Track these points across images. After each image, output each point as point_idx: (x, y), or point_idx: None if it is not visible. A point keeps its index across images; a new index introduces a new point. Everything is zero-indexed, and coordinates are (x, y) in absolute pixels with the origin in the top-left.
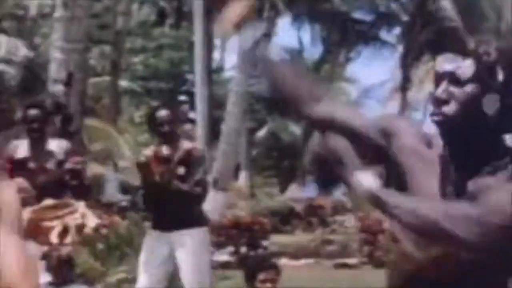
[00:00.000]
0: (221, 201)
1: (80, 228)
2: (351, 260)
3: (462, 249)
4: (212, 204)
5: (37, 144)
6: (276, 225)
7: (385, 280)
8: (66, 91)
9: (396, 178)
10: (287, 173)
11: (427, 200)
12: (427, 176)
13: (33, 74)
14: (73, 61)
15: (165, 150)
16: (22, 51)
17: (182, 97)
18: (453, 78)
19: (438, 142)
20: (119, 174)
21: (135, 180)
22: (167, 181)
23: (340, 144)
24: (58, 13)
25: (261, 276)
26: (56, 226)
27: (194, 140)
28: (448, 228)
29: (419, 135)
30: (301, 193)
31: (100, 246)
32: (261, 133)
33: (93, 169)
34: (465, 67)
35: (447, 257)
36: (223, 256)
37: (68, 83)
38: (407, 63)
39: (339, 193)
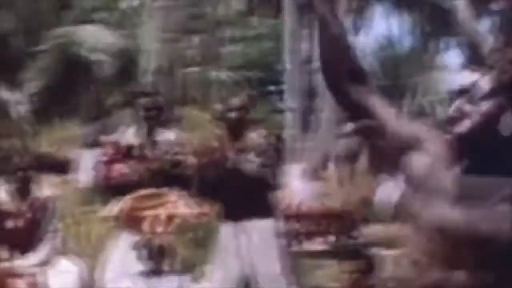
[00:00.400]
0: (312, 191)
1: (171, 217)
2: None
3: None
4: (303, 194)
5: (148, 133)
6: (366, 215)
7: None
8: (161, 80)
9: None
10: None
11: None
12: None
13: (129, 64)
14: (166, 51)
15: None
16: (119, 40)
17: (272, 87)
18: (468, 96)
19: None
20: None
21: None
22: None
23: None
24: (155, 3)
25: (349, 265)
26: (149, 216)
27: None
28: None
29: (442, 151)
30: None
31: (190, 235)
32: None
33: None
34: (482, 84)
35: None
36: (315, 245)
37: (164, 72)
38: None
39: None
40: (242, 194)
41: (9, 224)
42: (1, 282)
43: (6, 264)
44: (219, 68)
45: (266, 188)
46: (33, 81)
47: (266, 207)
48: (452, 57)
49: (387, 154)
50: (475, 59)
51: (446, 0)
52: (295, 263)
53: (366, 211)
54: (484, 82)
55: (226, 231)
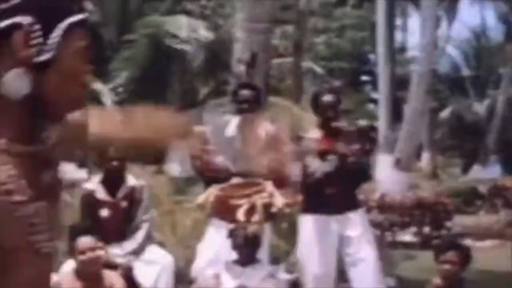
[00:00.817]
0: (404, 182)
1: (267, 207)
2: None
3: None
4: (395, 185)
5: (245, 124)
6: (459, 206)
7: None
8: (248, 71)
9: None
10: (470, 153)
11: None
12: None
13: (215, 55)
14: (256, 41)
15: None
16: (204, 31)
17: (364, 77)
18: None
19: None
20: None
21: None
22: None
23: None
24: None
25: (443, 257)
26: (244, 205)
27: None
28: None
29: None
30: (484, 173)
31: (285, 225)
32: (445, 113)
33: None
34: None
35: None
36: (407, 236)
37: (251, 63)
38: None
39: None
40: (340, 185)
41: (104, 213)
42: (97, 272)
43: (101, 253)
44: (311, 58)
45: (361, 179)
46: (123, 71)
47: (356, 200)
48: None
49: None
50: None
51: None
52: (388, 254)
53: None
54: None
55: (320, 222)
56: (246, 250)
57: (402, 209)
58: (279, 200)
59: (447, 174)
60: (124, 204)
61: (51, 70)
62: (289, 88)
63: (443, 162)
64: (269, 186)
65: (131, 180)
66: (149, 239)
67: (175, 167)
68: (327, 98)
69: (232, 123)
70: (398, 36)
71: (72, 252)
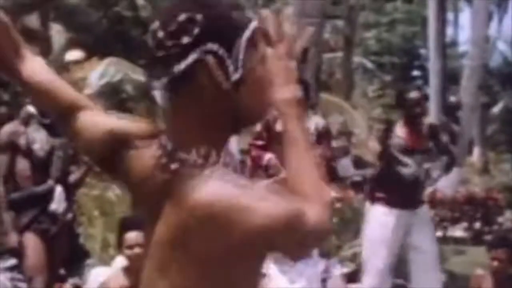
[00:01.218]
0: (455, 177)
1: None
2: None
3: None
4: (447, 180)
5: None
6: (511, 201)
7: None
8: (300, 66)
9: None
10: None
11: None
12: None
13: None
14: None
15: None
16: None
17: (416, 72)
18: None
19: None
20: (353, 148)
21: (368, 155)
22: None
23: None
24: None
25: (493, 253)
26: None
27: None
28: None
29: None
30: None
31: (335, 219)
32: (496, 108)
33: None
34: None
35: None
36: (458, 231)
37: (303, 58)
38: None
39: None
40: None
41: None
42: None
43: None
44: (361, 53)
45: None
46: None
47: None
48: None
49: None
50: None
51: None
52: (439, 249)
53: (510, 197)
54: None
55: (380, 216)
56: None
57: (453, 204)
58: (331, 194)
59: (498, 170)
60: None
61: (243, 87)
62: (339, 83)
63: (494, 157)
64: None
65: None
66: None
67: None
68: (414, 94)
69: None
70: (449, 30)
71: (120, 246)
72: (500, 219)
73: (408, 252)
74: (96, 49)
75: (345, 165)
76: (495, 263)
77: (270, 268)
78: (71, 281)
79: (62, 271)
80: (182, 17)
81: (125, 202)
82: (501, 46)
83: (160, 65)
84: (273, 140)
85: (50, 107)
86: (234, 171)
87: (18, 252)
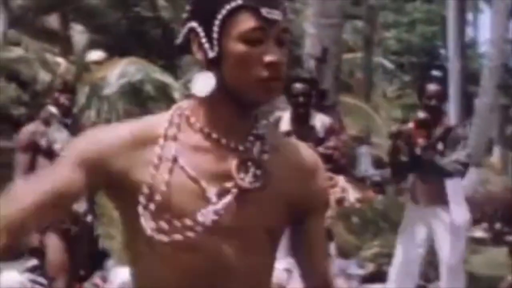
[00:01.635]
0: (474, 177)
1: (340, 202)
2: None
3: None
4: (466, 180)
5: (300, 119)
6: None
7: None
8: (319, 66)
9: None
10: None
11: None
12: None
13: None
14: (327, 36)
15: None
16: None
17: (435, 72)
18: None
19: None
20: (373, 149)
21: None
22: (428, 156)
23: None
24: None
25: None
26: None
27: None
28: None
29: None
30: None
31: (356, 220)
32: None
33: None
34: None
35: None
36: (478, 232)
37: (322, 58)
38: None
39: None
40: (427, 180)
41: None
42: None
43: None
44: (381, 53)
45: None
46: (192, 66)
47: (443, 193)
48: None
49: None
50: None
51: None
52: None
53: None
54: None
55: (410, 214)
56: None
57: (473, 204)
58: (352, 195)
59: None
60: None
61: (224, 65)
62: (359, 83)
63: None
64: (341, 181)
65: None
66: None
67: None
68: (432, 87)
69: (285, 118)
70: (469, 30)
71: None
72: None
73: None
74: (116, 49)
75: (365, 166)
76: None
77: (294, 265)
78: (92, 281)
79: (82, 272)
80: None
81: None
82: None
83: None
84: None
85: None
86: None
87: (39, 252)
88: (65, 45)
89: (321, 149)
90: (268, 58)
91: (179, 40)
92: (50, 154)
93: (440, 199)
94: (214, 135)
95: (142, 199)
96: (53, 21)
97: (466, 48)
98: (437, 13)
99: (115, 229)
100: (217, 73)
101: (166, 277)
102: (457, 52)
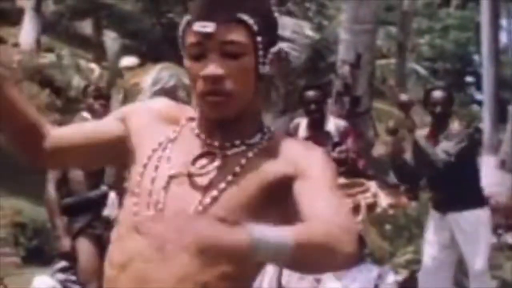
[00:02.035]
0: (509, 183)
1: (371, 207)
2: None
3: None
4: (500, 186)
5: (315, 125)
6: None
7: None
8: (353, 72)
9: None
10: None
11: None
12: None
13: (319, 56)
14: (361, 42)
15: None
16: (308, 32)
17: (469, 78)
18: None
19: None
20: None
21: None
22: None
23: None
24: None
25: None
26: (348, 205)
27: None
28: None
29: None
30: None
31: (388, 226)
32: None
33: (380, 149)
34: None
35: None
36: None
37: (356, 64)
38: None
39: None
40: (447, 185)
41: None
42: None
43: None
44: (414, 59)
45: (468, 179)
46: None
47: (472, 198)
48: None
49: None
50: None
51: None
52: (492, 255)
53: None
54: None
55: (434, 221)
56: None
57: (508, 210)
58: (384, 201)
59: None
60: None
61: None
62: (392, 89)
63: None
64: (373, 186)
65: None
66: None
67: None
68: (437, 94)
69: (303, 125)
70: (503, 36)
71: None
72: None
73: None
74: (150, 55)
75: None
76: None
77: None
78: None
79: None
80: None
81: None
82: None
83: None
84: None
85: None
86: None
87: (70, 256)
88: (98, 51)
89: (334, 154)
90: (203, 72)
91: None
92: None
93: (459, 204)
94: (202, 136)
95: (128, 174)
96: (86, 27)
97: (500, 54)
98: (470, 19)
99: None
100: None
101: (114, 258)
102: (490, 58)
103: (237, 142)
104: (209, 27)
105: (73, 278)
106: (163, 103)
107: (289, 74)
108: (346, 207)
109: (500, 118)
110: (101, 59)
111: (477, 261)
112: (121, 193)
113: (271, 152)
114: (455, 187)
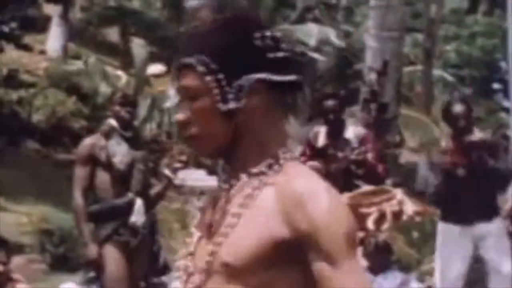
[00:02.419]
0: None
1: (397, 215)
2: None
3: None
4: None
5: (335, 133)
6: None
7: None
8: (380, 79)
9: None
10: None
11: None
12: None
13: (345, 63)
14: (388, 49)
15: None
16: (334, 39)
17: (496, 85)
18: None
19: None
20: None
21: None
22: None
23: None
24: (374, 1)
25: None
26: (373, 213)
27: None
28: None
29: None
30: None
31: (416, 233)
32: None
33: (407, 157)
34: None
35: None
36: None
37: (383, 71)
38: None
39: None
40: (472, 194)
41: None
42: None
43: None
44: (441, 66)
45: (495, 188)
46: None
47: (494, 208)
48: None
49: None
50: None
51: None
52: None
53: None
54: None
55: (454, 231)
56: (377, 258)
57: None
58: (410, 208)
59: None
60: None
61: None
62: (419, 96)
63: None
64: (399, 194)
65: None
66: None
67: None
68: (458, 108)
69: (322, 133)
70: None
71: None
72: None
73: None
74: None
75: (424, 179)
76: None
77: None
78: None
79: (142, 284)
80: None
81: None
82: None
83: None
84: (315, 156)
85: None
86: None
87: (97, 264)
88: (125, 58)
89: (353, 156)
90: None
91: None
92: (110, 167)
93: (487, 213)
94: (220, 183)
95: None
96: (113, 34)
97: None
98: (497, 25)
99: (175, 242)
100: None
101: None
102: None
103: (243, 174)
104: (176, 73)
105: None
106: None
107: (315, 81)
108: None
109: None
110: (128, 66)
111: (505, 266)
112: (147, 200)
113: (274, 191)
114: (481, 196)
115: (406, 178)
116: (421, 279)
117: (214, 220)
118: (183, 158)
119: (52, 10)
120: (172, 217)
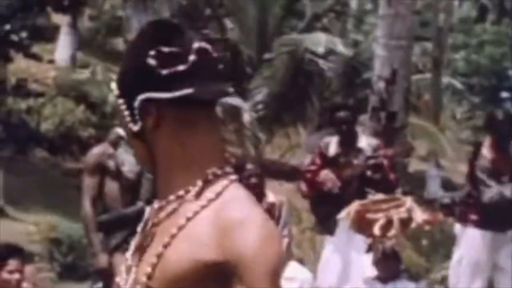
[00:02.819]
0: None
1: (405, 222)
2: None
3: None
4: None
5: (347, 143)
6: None
7: None
8: (388, 88)
9: None
10: None
11: None
12: None
13: (354, 71)
14: (397, 58)
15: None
16: (342, 48)
17: (504, 94)
18: None
19: None
20: (441, 171)
21: (458, 177)
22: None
23: None
24: (382, 10)
25: None
26: (380, 219)
27: None
28: None
29: None
30: None
31: (425, 242)
32: None
33: (415, 165)
34: None
35: None
36: None
37: (392, 80)
38: None
39: None
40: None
41: None
42: None
43: None
44: (449, 74)
45: None
46: (260, 88)
47: None
48: None
49: None
50: None
51: None
52: None
53: None
54: None
55: (472, 239)
56: (385, 266)
57: None
58: (419, 216)
59: None
60: None
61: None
62: (428, 104)
63: None
64: (408, 201)
65: (271, 196)
66: (288, 256)
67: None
68: (503, 116)
69: (333, 143)
70: None
71: None
72: None
73: (493, 273)
74: None
75: (433, 188)
76: None
77: None
78: None
79: None
80: None
81: None
82: None
83: None
84: (326, 165)
85: None
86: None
87: (108, 273)
88: None
89: (371, 161)
90: None
91: None
92: (119, 176)
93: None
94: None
95: None
96: (121, 43)
97: None
98: (506, 34)
99: None
100: None
101: None
102: None
103: (171, 196)
104: None
105: None
106: None
107: (324, 90)
108: None
109: None
110: None
111: None
112: None
113: (208, 214)
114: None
115: (415, 186)
116: None
117: (144, 242)
118: None
119: (61, 20)
120: None
